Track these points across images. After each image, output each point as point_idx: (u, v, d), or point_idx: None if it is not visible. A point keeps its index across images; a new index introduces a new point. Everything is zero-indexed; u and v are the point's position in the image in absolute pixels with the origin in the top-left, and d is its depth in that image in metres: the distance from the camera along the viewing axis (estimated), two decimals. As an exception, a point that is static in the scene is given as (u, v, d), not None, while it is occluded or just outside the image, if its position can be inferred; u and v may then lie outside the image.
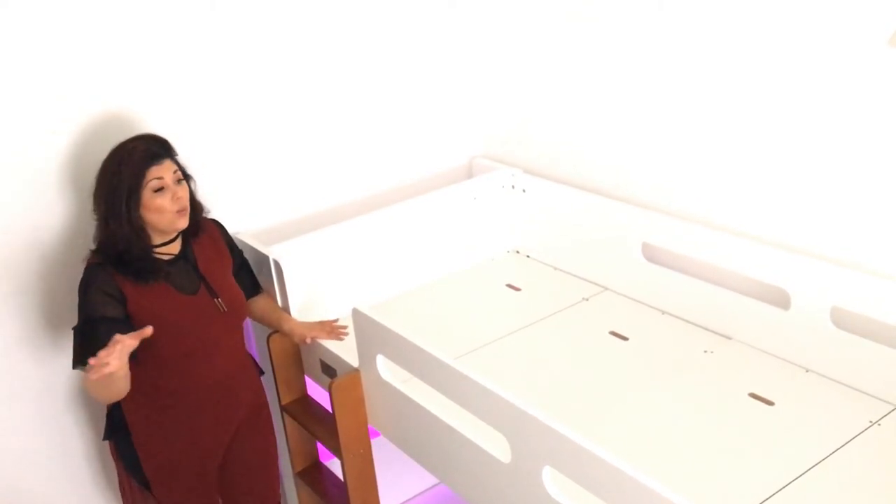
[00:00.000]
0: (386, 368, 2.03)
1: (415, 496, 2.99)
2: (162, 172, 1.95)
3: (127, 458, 2.12)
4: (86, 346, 1.90)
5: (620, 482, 1.39)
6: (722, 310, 2.28)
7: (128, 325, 1.92)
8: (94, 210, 1.99)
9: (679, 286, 2.38)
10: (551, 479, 1.59)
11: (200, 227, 2.13)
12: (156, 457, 2.09)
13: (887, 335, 1.94)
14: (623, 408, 2.05)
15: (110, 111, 2.22)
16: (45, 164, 2.16)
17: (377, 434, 2.19)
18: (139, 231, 1.96)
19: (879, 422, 1.90)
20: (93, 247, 2.01)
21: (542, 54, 2.71)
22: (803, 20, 1.98)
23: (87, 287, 1.94)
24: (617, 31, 2.44)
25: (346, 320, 2.21)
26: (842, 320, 2.02)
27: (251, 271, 2.30)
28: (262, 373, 2.32)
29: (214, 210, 2.33)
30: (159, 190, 1.95)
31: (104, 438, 2.16)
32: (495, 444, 1.73)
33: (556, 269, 2.78)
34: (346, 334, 2.23)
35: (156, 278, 1.99)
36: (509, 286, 2.71)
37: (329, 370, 2.27)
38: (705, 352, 2.24)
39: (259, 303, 2.32)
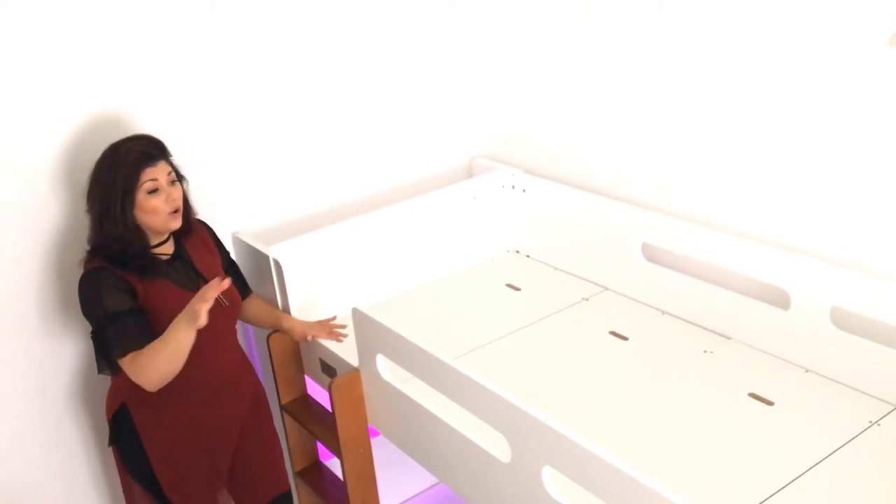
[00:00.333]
0: (386, 368, 2.03)
1: (414, 496, 2.99)
2: (156, 174, 1.95)
3: (132, 462, 2.12)
4: (116, 342, 1.90)
5: (620, 482, 1.39)
6: (722, 310, 2.28)
7: (145, 317, 1.95)
8: (88, 210, 2.00)
9: (679, 286, 2.38)
10: (551, 478, 1.59)
11: (192, 227, 2.13)
12: (166, 458, 2.09)
13: (887, 335, 1.94)
14: (623, 408, 2.04)
15: (110, 111, 2.22)
16: (45, 164, 2.15)
17: (377, 433, 2.19)
18: (134, 231, 1.96)
19: (879, 422, 1.90)
20: (88, 247, 2.01)
21: (542, 54, 2.71)
22: (803, 20, 1.98)
23: (97, 289, 1.92)
24: (617, 31, 2.44)
25: (345, 320, 2.21)
26: (842, 320, 2.02)
27: (239, 272, 2.30)
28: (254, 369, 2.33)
29: (214, 210, 2.34)
30: (154, 191, 1.94)
31: (109, 444, 2.16)
32: (495, 444, 1.72)
33: (556, 268, 2.78)
34: (346, 336, 2.23)
35: (158, 274, 1.99)
36: (509, 286, 2.71)
37: (329, 369, 2.27)
38: (705, 352, 2.24)
39: (252, 304, 2.32)
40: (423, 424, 1.95)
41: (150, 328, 1.95)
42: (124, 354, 1.92)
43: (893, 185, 1.92)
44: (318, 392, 2.42)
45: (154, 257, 2.01)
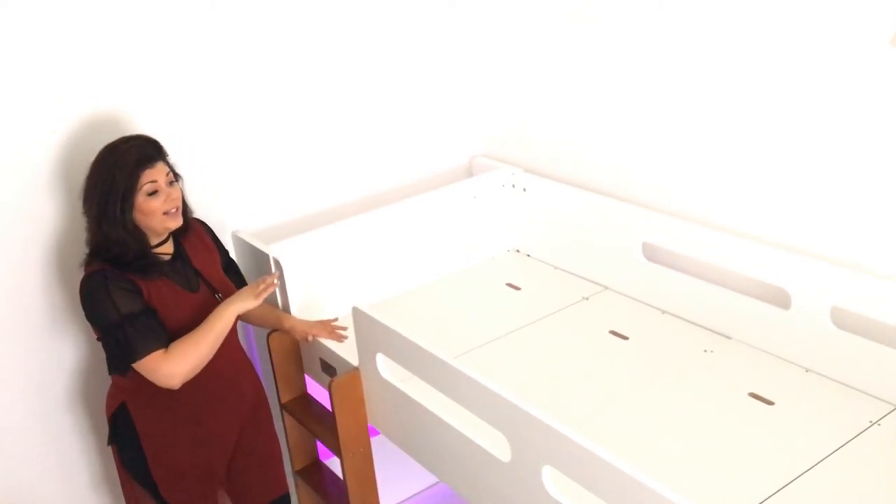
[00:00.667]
0: (386, 367, 2.03)
1: (414, 495, 2.99)
2: (155, 175, 1.94)
3: (130, 462, 2.12)
4: (137, 343, 1.91)
5: (620, 481, 1.39)
6: (722, 309, 2.28)
7: (157, 314, 1.95)
8: (85, 212, 1.98)
9: (679, 286, 2.38)
10: (551, 478, 1.59)
11: (189, 226, 2.13)
12: (164, 458, 2.09)
13: (887, 335, 1.94)
14: (623, 407, 2.05)
15: (109, 111, 2.22)
16: (44, 164, 2.15)
17: (377, 433, 2.19)
18: (133, 233, 1.95)
19: (879, 422, 1.90)
20: (87, 250, 2.00)
21: (542, 54, 2.71)
22: (804, 20, 1.98)
23: (104, 291, 1.92)
24: (617, 31, 2.44)
25: (346, 319, 2.21)
26: (842, 320, 2.02)
27: (238, 270, 2.30)
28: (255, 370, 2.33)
29: (215, 209, 2.34)
30: (153, 193, 1.94)
31: (108, 444, 2.16)
32: (495, 444, 1.72)
33: (556, 268, 2.78)
34: (346, 337, 2.23)
35: (158, 274, 1.99)
36: (509, 285, 2.71)
37: (329, 369, 2.27)
38: (705, 351, 2.24)
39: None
40: (423, 424, 1.95)
41: (164, 327, 1.96)
42: (147, 354, 1.91)
43: (893, 185, 1.92)
44: (318, 391, 2.42)
45: (154, 257, 2.01)
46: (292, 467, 2.50)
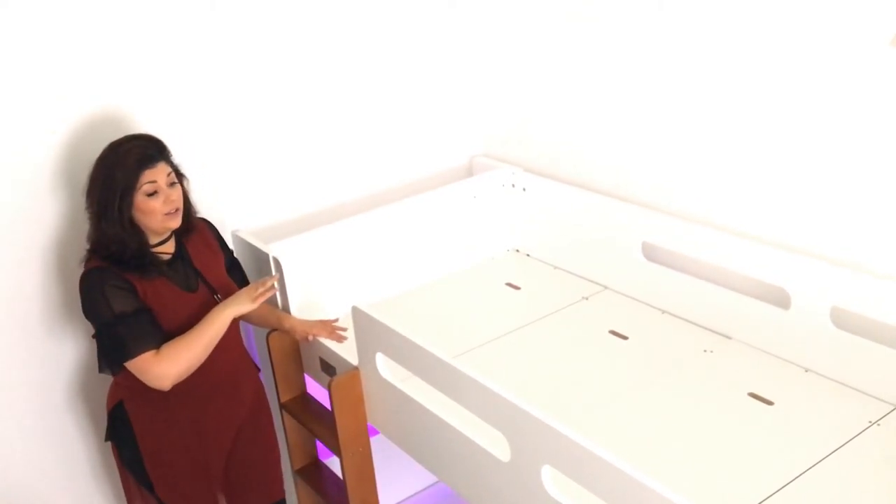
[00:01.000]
0: (385, 367, 2.03)
1: (414, 494, 2.99)
2: (156, 175, 1.94)
3: (129, 459, 2.12)
4: (129, 342, 1.91)
5: (619, 481, 1.39)
6: (722, 309, 2.28)
7: (153, 314, 1.95)
8: (87, 209, 1.99)
9: (679, 285, 2.38)
10: (550, 477, 1.59)
11: (192, 226, 2.12)
12: (160, 457, 2.09)
13: (887, 335, 1.94)
14: (622, 407, 2.04)
15: (110, 111, 2.22)
16: (44, 164, 2.15)
17: (376, 432, 2.19)
18: (131, 231, 1.95)
19: (879, 422, 1.90)
20: (87, 246, 2.01)
21: (542, 54, 2.71)
22: (804, 20, 1.98)
23: (99, 289, 1.92)
24: (617, 31, 2.44)
25: (345, 319, 2.21)
26: (841, 320, 2.02)
27: (242, 270, 2.29)
28: (258, 370, 2.33)
29: (215, 209, 2.34)
30: (152, 193, 1.94)
31: (106, 440, 2.16)
32: (494, 443, 1.72)
33: (555, 268, 2.78)
34: (346, 338, 2.23)
35: (158, 272, 1.99)
36: (509, 285, 2.71)
37: (328, 368, 2.27)
38: (705, 351, 2.24)
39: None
40: (423, 423, 1.95)
41: (160, 326, 1.96)
42: (138, 354, 1.91)
43: (893, 185, 1.92)
44: (317, 391, 2.42)
45: (153, 256, 2.01)
46: (292, 467, 2.50)
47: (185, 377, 1.97)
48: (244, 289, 2.08)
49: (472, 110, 3.01)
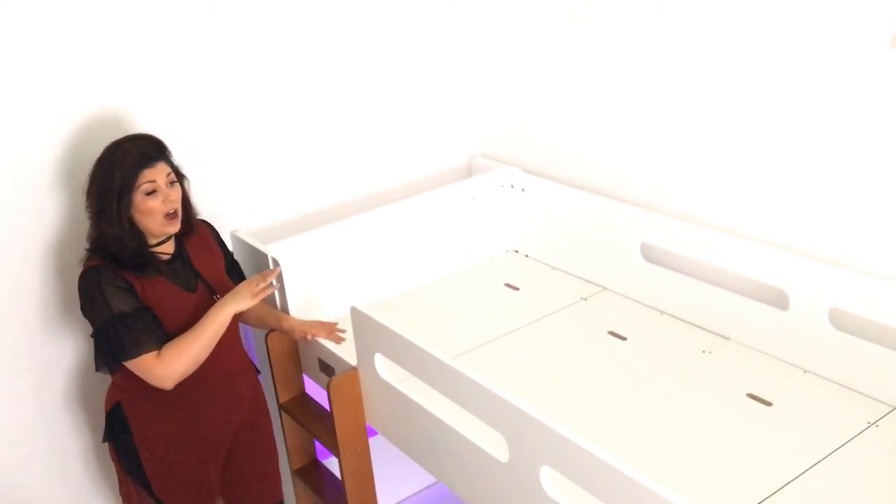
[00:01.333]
0: (384, 367, 2.03)
1: (412, 495, 2.99)
2: (155, 175, 1.94)
3: (126, 460, 2.11)
4: (128, 343, 1.91)
5: (618, 482, 1.39)
6: (720, 310, 2.28)
7: (153, 313, 1.95)
8: (86, 208, 1.99)
9: (678, 286, 2.38)
10: (549, 478, 1.59)
11: (193, 227, 2.12)
12: (157, 458, 2.08)
13: (886, 336, 1.94)
14: (621, 408, 2.05)
15: (110, 111, 2.22)
16: (44, 164, 2.15)
17: (375, 433, 2.19)
18: (130, 231, 1.95)
19: (877, 423, 1.90)
20: (87, 245, 2.01)
21: (542, 54, 2.71)
22: (804, 21, 1.98)
23: (97, 288, 1.92)
24: (617, 31, 2.44)
25: (344, 319, 2.21)
26: (840, 321, 2.02)
27: (241, 272, 2.29)
28: (258, 372, 2.32)
29: (215, 209, 2.34)
30: (151, 193, 1.94)
31: (104, 440, 2.16)
32: (493, 444, 1.73)
33: (554, 268, 2.78)
34: (344, 339, 2.23)
35: (156, 271, 1.99)
36: (508, 286, 2.71)
37: (327, 368, 2.27)
38: (704, 352, 2.24)
39: (255, 307, 2.31)
40: (422, 424, 1.95)
41: (159, 326, 1.96)
42: (138, 355, 1.91)
43: (893, 186, 1.92)
44: (316, 391, 2.42)
45: (152, 256, 2.01)
46: (290, 467, 2.50)
47: (187, 376, 1.97)
48: (242, 284, 2.07)
49: (471, 111, 3.01)
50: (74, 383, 2.36)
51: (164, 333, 1.96)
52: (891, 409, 1.94)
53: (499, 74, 2.90)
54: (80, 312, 1.99)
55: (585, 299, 2.57)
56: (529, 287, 2.69)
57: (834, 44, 1.94)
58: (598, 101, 2.58)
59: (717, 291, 2.28)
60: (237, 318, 2.18)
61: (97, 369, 2.01)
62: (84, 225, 2.03)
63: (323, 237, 2.48)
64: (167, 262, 2.04)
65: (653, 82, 2.39)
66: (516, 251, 2.93)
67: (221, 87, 2.42)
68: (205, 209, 2.24)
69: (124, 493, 2.22)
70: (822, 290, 2.02)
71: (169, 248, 2.06)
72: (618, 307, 2.51)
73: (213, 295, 2.10)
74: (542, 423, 1.53)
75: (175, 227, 2.00)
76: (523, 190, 2.82)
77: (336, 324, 2.28)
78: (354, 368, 2.13)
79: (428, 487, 2.99)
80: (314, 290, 2.44)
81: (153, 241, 2.02)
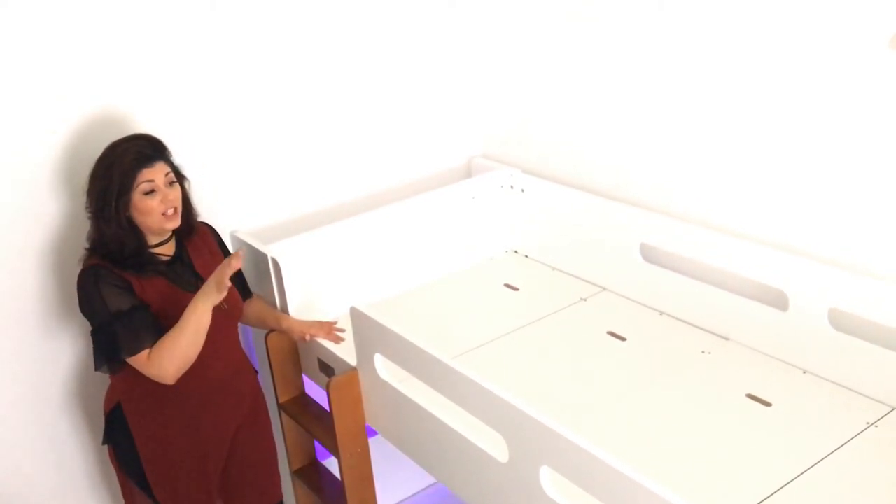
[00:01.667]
0: (384, 367, 2.03)
1: (412, 495, 2.99)
2: (153, 175, 1.94)
3: (126, 462, 2.11)
4: (125, 341, 1.91)
5: (618, 482, 1.40)
6: (720, 310, 2.28)
7: (150, 311, 1.95)
8: (86, 208, 2.00)
9: (677, 287, 2.38)
10: (549, 478, 1.59)
11: (194, 228, 2.12)
12: (157, 459, 2.08)
13: (885, 337, 1.94)
14: (621, 408, 2.05)
15: (110, 111, 2.22)
16: (44, 164, 2.15)
17: (374, 433, 2.19)
18: (129, 230, 1.95)
19: (877, 423, 1.90)
20: (87, 245, 2.01)
21: (542, 54, 2.71)
22: (803, 21, 1.98)
23: (96, 287, 1.92)
24: (617, 31, 2.44)
25: (344, 319, 2.21)
26: (839, 322, 2.02)
27: (241, 275, 2.29)
28: (256, 373, 2.32)
29: (214, 209, 2.34)
30: (149, 192, 1.94)
31: (103, 443, 2.16)
32: (493, 444, 1.73)
33: (554, 269, 2.78)
34: (343, 339, 2.23)
35: (155, 271, 1.99)
36: (507, 286, 2.71)
37: (327, 369, 2.27)
38: (703, 352, 2.24)
39: (253, 306, 2.32)
40: (421, 424, 1.95)
41: (157, 323, 1.96)
42: (135, 353, 1.92)
43: (892, 187, 1.92)
44: (315, 391, 2.42)
45: (152, 256, 2.01)
46: (290, 467, 2.50)
47: (185, 368, 1.95)
48: (210, 278, 1.96)
49: (470, 111, 3.01)
50: (73, 383, 2.36)
51: (161, 331, 1.96)
52: (890, 409, 1.94)
53: (499, 74, 2.90)
54: (79, 312, 1.99)
55: (585, 300, 2.57)
56: (529, 287, 2.69)
57: (834, 44, 1.94)
58: (597, 102, 2.58)
59: (716, 292, 2.28)
60: (236, 319, 2.18)
61: (97, 368, 2.01)
62: (83, 225, 2.03)
63: (323, 237, 2.48)
64: (167, 263, 2.04)
65: (653, 82, 2.39)
66: (516, 251, 2.94)
67: (221, 87, 2.42)
68: (205, 209, 2.24)
69: (125, 494, 2.22)
70: (822, 291, 2.02)
71: (169, 250, 2.06)
72: (617, 307, 2.51)
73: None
74: (541, 423, 1.53)
75: (174, 223, 1.99)
76: (523, 190, 2.82)
77: (335, 323, 2.28)
78: (354, 369, 2.13)
79: (428, 487, 2.99)
80: (314, 290, 2.44)
81: (154, 242, 2.02)
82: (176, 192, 2.00)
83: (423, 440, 1.99)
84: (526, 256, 2.90)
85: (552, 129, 2.77)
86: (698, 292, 2.32)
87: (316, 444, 2.48)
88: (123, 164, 1.92)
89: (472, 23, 2.88)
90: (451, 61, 2.92)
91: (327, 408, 2.18)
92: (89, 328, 2.00)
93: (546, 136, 2.80)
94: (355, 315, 2.02)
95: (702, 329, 2.33)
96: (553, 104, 2.73)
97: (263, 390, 2.33)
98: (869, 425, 1.89)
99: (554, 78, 2.70)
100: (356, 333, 2.07)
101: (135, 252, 1.97)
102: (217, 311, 2.06)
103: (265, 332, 2.34)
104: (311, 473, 2.50)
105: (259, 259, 2.38)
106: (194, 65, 2.35)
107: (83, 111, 2.18)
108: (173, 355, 1.93)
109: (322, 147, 2.69)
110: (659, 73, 2.36)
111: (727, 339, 2.28)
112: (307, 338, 2.25)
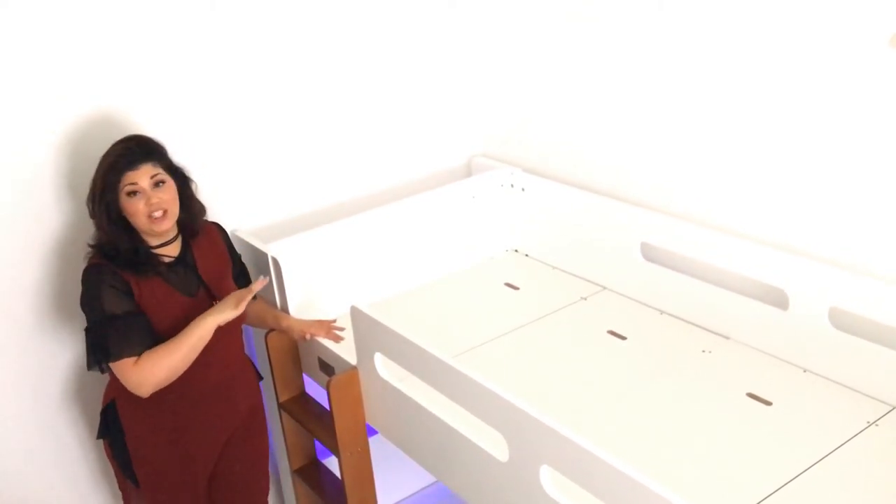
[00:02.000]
0: (384, 366, 2.03)
1: (412, 494, 2.99)
2: (136, 178, 1.93)
3: (120, 458, 2.11)
4: (113, 345, 1.91)
5: (618, 481, 1.40)
6: (720, 310, 2.28)
7: (145, 318, 1.95)
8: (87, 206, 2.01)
9: (678, 286, 2.38)
10: (549, 478, 1.59)
11: (200, 228, 2.12)
12: (146, 460, 2.08)
13: (885, 336, 1.94)
14: (621, 407, 2.05)
15: (109, 111, 2.22)
16: (44, 164, 2.15)
17: (375, 432, 2.19)
18: (120, 230, 1.95)
19: (877, 422, 1.90)
20: (91, 242, 2.01)
21: (542, 54, 2.71)
22: (803, 21, 1.98)
23: (95, 286, 1.93)
24: (617, 31, 2.44)
25: (344, 318, 2.21)
26: (840, 321, 2.02)
27: (249, 279, 2.29)
28: (261, 378, 2.32)
29: (214, 208, 2.34)
30: (133, 194, 1.93)
31: (98, 437, 2.16)
32: (493, 443, 1.73)
33: (554, 268, 2.78)
34: (343, 338, 2.23)
35: (154, 272, 1.98)
36: (508, 285, 2.71)
37: (327, 368, 2.27)
38: (703, 351, 2.24)
39: (254, 307, 2.31)
40: (422, 423, 1.95)
41: (150, 331, 1.95)
42: (120, 358, 1.91)
43: (893, 186, 1.92)
44: (316, 390, 2.42)
45: (151, 256, 2.00)
46: (290, 467, 2.50)
47: (164, 385, 1.95)
48: (229, 296, 2.04)
49: (470, 110, 3.01)
50: (72, 381, 2.36)
51: (153, 339, 1.95)
52: (890, 408, 1.94)
53: (498, 74, 2.90)
54: (79, 312, 1.99)
55: (585, 299, 2.57)
56: (529, 287, 2.69)
57: (834, 44, 1.94)
58: (597, 101, 2.58)
59: (717, 291, 2.28)
60: (240, 323, 2.17)
61: (89, 368, 2.00)
62: (83, 224, 2.04)
63: (323, 237, 2.48)
64: (169, 265, 2.03)
65: (653, 82, 2.39)
66: (516, 251, 2.94)
67: (221, 87, 2.42)
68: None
69: (122, 489, 2.22)
70: (822, 290, 2.02)
71: (173, 251, 2.05)
72: (618, 307, 2.51)
73: (213, 301, 2.07)
74: (541, 422, 1.53)
75: (162, 225, 1.97)
76: (523, 189, 2.82)
77: (334, 321, 2.28)
78: (354, 368, 2.13)
79: (428, 487, 3.00)
80: (314, 290, 2.44)
81: (154, 243, 2.01)
82: (165, 194, 1.97)
83: (424, 439, 1.99)
84: (526, 255, 2.90)
85: (552, 128, 2.77)
86: (699, 291, 2.32)
87: (316, 443, 2.48)
88: (106, 167, 1.94)
89: (472, 23, 2.88)
90: (451, 61, 2.92)
91: (327, 407, 2.18)
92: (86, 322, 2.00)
93: (546, 136, 2.80)
94: (355, 314, 2.02)
95: (702, 328, 2.33)
96: (553, 103, 2.73)
97: (263, 390, 2.33)
98: (869, 424, 1.90)
99: (554, 77, 2.70)
100: (356, 332, 2.07)
101: (129, 252, 1.96)
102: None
103: (265, 331, 2.34)
104: (311, 472, 2.50)
105: (259, 258, 2.38)
106: (194, 65, 2.35)
107: (83, 111, 2.18)
108: (163, 367, 1.92)
109: (322, 146, 2.69)
110: (659, 72, 2.36)
111: (727, 338, 2.28)
112: (307, 337, 2.25)
